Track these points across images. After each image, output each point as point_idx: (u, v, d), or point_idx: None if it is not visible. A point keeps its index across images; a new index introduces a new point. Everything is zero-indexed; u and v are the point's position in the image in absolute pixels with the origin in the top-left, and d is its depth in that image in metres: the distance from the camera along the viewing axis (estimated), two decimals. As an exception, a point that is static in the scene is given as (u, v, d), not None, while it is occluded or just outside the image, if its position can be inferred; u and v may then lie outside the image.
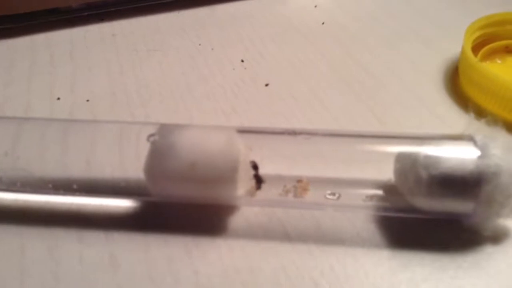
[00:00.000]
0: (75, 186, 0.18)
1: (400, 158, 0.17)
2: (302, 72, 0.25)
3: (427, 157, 0.16)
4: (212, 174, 0.17)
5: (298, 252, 0.17)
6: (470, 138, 0.17)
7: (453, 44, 0.25)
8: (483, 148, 0.16)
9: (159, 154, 0.17)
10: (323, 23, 0.29)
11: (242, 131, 0.18)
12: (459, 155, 0.16)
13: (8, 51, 0.27)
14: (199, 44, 0.27)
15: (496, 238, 0.17)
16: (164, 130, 0.18)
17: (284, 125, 0.22)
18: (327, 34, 0.28)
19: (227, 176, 0.17)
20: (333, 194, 0.18)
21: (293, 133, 0.19)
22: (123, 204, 0.19)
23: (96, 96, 0.24)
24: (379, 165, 0.18)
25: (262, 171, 0.18)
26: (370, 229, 0.18)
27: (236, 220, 0.18)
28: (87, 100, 0.24)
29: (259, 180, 0.18)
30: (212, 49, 0.27)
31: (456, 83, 0.24)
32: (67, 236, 0.18)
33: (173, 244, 0.17)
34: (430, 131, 0.21)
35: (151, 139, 0.18)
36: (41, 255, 0.17)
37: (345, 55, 0.26)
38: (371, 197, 0.18)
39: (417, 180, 0.16)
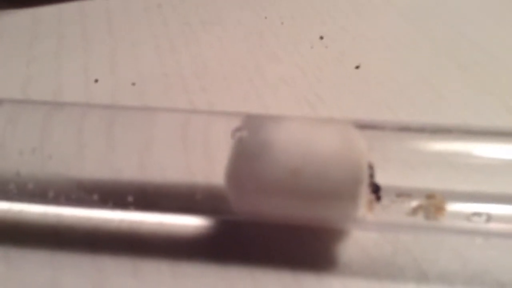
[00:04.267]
0: (130, 199, 0.13)
1: None
2: (400, 51, 0.20)
3: None
4: (322, 185, 0.12)
5: (443, 299, 0.12)
6: None
7: None
8: None
9: (249, 157, 0.12)
10: (415, -6, 0.23)
11: (360, 125, 0.13)
12: None
13: (33, 22, 0.23)
14: (265, 17, 0.22)
15: None
16: (254, 123, 0.13)
17: (389, 117, 0.17)
18: (423, 7, 0.22)
19: (345, 190, 0.12)
20: (479, 215, 0.13)
21: (419, 129, 0.14)
22: (192, 223, 0.14)
23: (144, 78, 0.19)
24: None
25: (377, 181, 0.13)
26: (541, 267, 0.13)
27: (349, 250, 0.13)
28: (133, 84, 0.19)
29: (376, 189, 0.13)
30: (282, 23, 0.22)
31: None
32: (118, 267, 0.13)
33: (265, 281, 0.13)
34: None
35: (237, 134, 0.13)
36: (82, 294, 0.12)
37: (450, 32, 0.21)
38: (536, 221, 0.13)
39: None
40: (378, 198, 0.13)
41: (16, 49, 0.21)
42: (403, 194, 0.13)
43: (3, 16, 0.23)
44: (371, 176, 0.13)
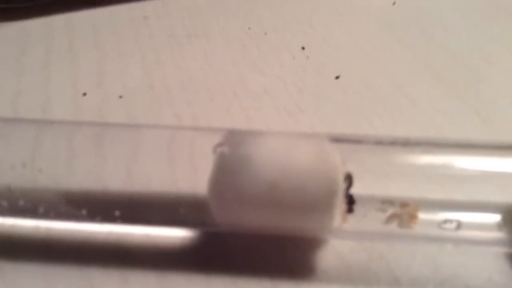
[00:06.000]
0: (117, 213, 0.13)
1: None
2: (378, 61, 0.21)
3: None
4: (299, 198, 0.13)
5: (415, 304, 0.13)
6: None
7: None
8: None
9: (230, 171, 0.13)
10: (394, 3, 0.24)
11: (335, 139, 0.14)
12: None
13: (20, 35, 0.23)
14: (249, 28, 0.23)
15: None
16: (235, 138, 0.14)
17: (367, 127, 0.18)
18: (401, 16, 0.23)
19: (321, 202, 0.13)
20: (450, 222, 0.14)
21: (391, 142, 0.15)
22: (177, 234, 0.14)
23: (130, 91, 0.19)
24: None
25: (353, 191, 0.14)
26: (506, 271, 0.13)
27: (326, 258, 0.14)
28: (120, 97, 0.19)
29: (351, 200, 0.14)
30: (265, 34, 0.23)
31: None
32: (106, 278, 0.14)
33: (246, 290, 0.13)
34: None
35: (219, 150, 0.13)
36: (73, 304, 0.13)
37: (427, 40, 0.22)
38: (503, 227, 0.13)
39: None
40: (350, 210, 0.14)
41: (5, 63, 0.21)
42: (382, 203, 0.14)
43: (-9, 31, 0.23)
44: (347, 188, 0.14)
